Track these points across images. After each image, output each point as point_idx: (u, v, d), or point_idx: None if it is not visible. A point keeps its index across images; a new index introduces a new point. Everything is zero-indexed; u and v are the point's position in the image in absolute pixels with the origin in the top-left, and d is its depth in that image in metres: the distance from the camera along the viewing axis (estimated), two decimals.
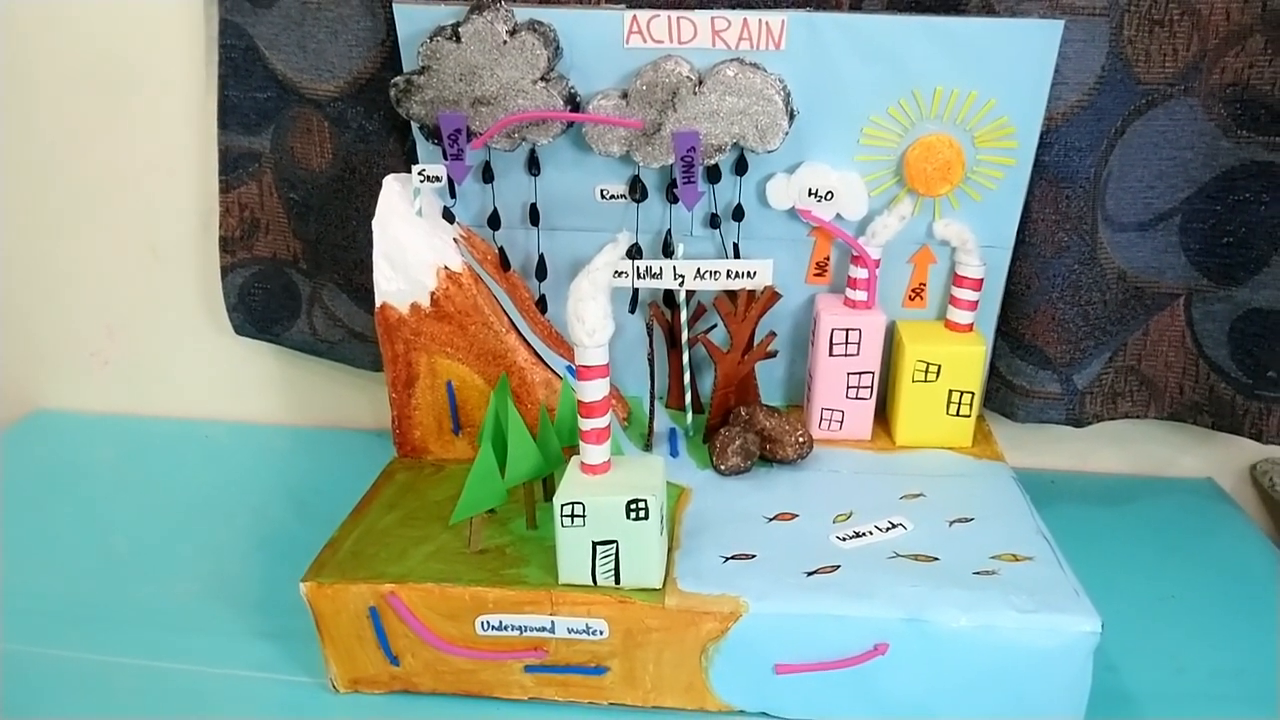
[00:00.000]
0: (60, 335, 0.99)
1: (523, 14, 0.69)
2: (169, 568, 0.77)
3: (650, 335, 0.79)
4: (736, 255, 0.76)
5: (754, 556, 0.63)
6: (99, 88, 0.87)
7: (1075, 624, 0.57)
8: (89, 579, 0.76)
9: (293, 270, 0.88)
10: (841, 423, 0.78)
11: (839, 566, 0.62)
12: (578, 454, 0.61)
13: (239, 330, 0.91)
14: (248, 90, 0.81)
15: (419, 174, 0.71)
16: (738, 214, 0.75)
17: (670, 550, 0.64)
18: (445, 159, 0.71)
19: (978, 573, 0.61)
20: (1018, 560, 0.63)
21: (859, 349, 0.75)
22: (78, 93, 0.87)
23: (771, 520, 0.68)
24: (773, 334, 0.78)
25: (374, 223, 0.71)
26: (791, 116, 0.69)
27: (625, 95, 0.69)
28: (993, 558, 0.63)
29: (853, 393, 0.77)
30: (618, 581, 0.60)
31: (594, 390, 0.59)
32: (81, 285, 0.96)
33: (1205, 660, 0.68)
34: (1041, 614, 0.58)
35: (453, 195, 0.74)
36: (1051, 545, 0.64)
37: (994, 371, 0.82)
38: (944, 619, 0.58)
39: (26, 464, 0.92)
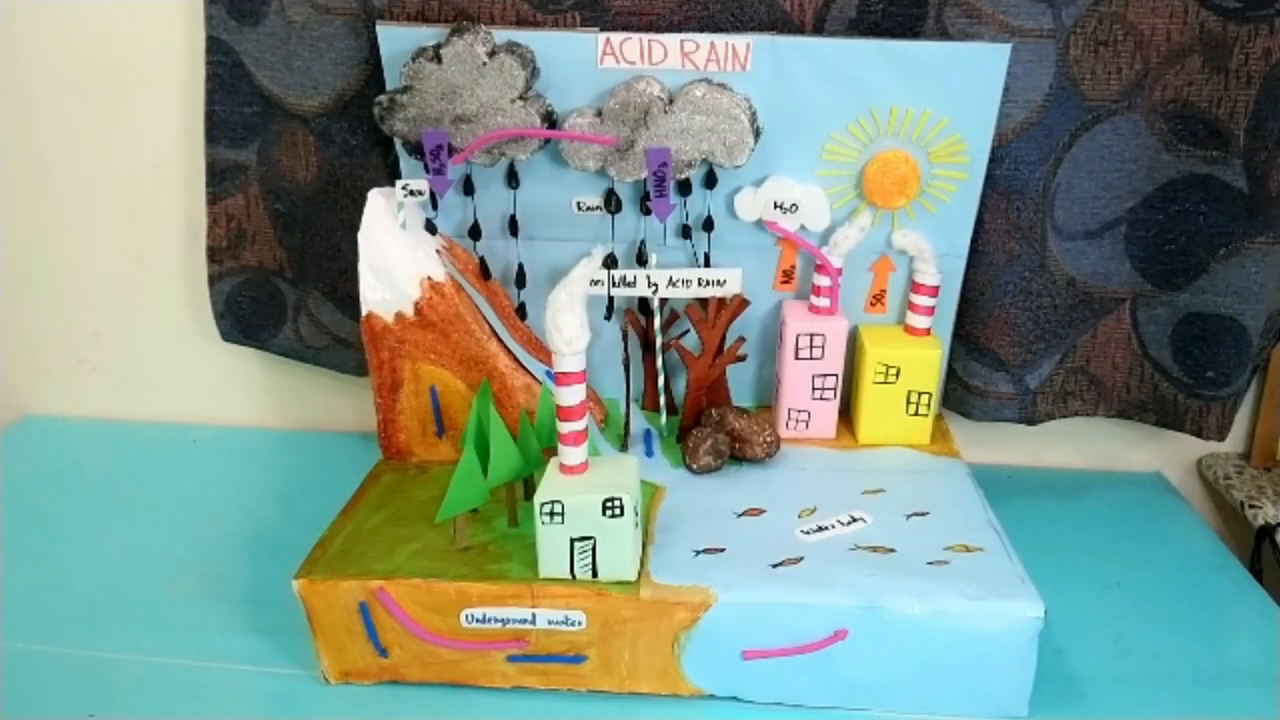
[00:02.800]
0: (50, 342, 1.00)
1: (501, 36, 0.72)
2: (161, 568, 0.79)
3: (626, 340, 0.83)
4: (707, 264, 0.79)
5: (723, 550, 0.67)
6: (89, 99, 0.89)
7: (1020, 609, 0.61)
8: (84, 579, 0.77)
9: (279, 279, 0.90)
10: (808, 423, 0.82)
11: (803, 558, 0.66)
12: (557, 455, 0.64)
13: (226, 337, 0.93)
14: (235, 105, 0.83)
15: (402, 188, 0.74)
16: (708, 225, 0.78)
17: (645, 545, 0.67)
18: (428, 173, 0.74)
19: (931, 563, 0.65)
20: (969, 551, 0.66)
21: (823, 352, 0.79)
22: (68, 104, 0.89)
23: (740, 516, 0.71)
24: (742, 339, 0.81)
25: (359, 235, 0.73)
26: (757, 134, 0.73)
27: (600, 113, 0.73)
28: (946, 549, 0.67)
29: (818, 394, 0.80)
30: (595, 575, 0.63)
31: (571, 395, 0.62)
32: (71, 293, 0.98)
33: (1147, 643, 0.71)
34: (989, 600, 0.61)
35: (435, 208, 0.77)
36: (1001, 536, 0.68)
37: (951, 373, 0.86)
38: (899, 606, 0.61)
39: (18, 469, 0.93)
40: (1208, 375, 0.83)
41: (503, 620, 0.64)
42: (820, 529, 0.69)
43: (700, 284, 0.77)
